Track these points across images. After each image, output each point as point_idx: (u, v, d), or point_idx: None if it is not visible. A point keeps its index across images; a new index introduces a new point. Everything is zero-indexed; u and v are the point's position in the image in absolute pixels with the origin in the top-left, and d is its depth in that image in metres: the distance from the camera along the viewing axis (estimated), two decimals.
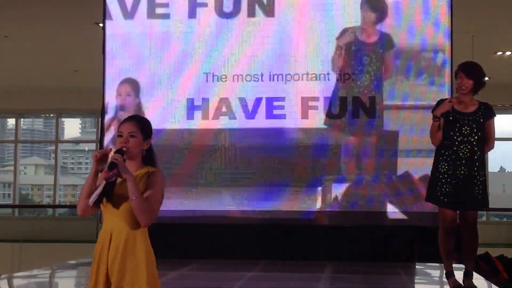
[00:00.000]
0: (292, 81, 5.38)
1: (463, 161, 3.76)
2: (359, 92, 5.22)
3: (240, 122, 5.47)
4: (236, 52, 5.52)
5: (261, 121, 5.42)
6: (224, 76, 5.52)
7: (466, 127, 3.76)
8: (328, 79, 5.28)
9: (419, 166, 5.05)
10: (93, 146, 13.62)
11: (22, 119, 13.15)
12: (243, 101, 5.48)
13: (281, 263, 5.26)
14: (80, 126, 14.78)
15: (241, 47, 5.51)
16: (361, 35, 5.22)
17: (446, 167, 3.79)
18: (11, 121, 13.90)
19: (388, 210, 5.26)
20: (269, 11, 5.48)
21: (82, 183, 16.17)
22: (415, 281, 4.92)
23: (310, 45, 5.37)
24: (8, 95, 11.90)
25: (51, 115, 12.91)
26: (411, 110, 5.20)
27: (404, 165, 5.15)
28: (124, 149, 2.53)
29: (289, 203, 5.34)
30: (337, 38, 5.29)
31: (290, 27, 5.44)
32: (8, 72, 10.62)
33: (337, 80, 5.26)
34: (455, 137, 3.78)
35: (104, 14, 5.86)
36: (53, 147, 13.00)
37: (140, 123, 2.62)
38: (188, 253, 5.47)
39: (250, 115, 5.44)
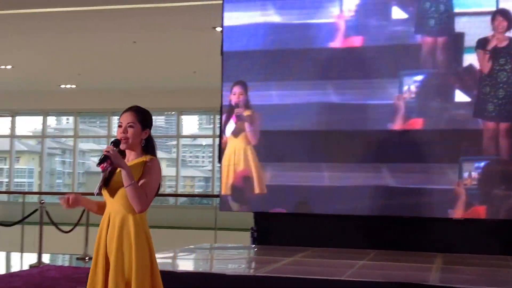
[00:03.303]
0: None
1: None
2: (497, 87, 5.74)
3: (376, 105, 5.88)
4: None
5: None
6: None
7: None
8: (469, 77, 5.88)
9: None
10: (209, 141, 14.37)
11: None
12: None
13: (392, 253, 5.37)
14: (197, 122, 15.66)
15: None
16: (495, 41, 5.80)
17: None
18: None
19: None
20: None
21: (200, 175, 16.95)
22: None
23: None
24: (132, 95, 12.92)
25: (172, 113, 13.86)
26: None
27: None
28: (122, 139, 2.59)
29: (427, 181, 5.71)
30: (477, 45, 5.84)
31: None
32: (135, 75, 11.56)
33: (478, 77, 5.80)
34: None
35: (222, 19, 6.34)
36: (174, 142, 13.93)
37: (138, 114, 2.64)
38: (305, 241, 5.75)
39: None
